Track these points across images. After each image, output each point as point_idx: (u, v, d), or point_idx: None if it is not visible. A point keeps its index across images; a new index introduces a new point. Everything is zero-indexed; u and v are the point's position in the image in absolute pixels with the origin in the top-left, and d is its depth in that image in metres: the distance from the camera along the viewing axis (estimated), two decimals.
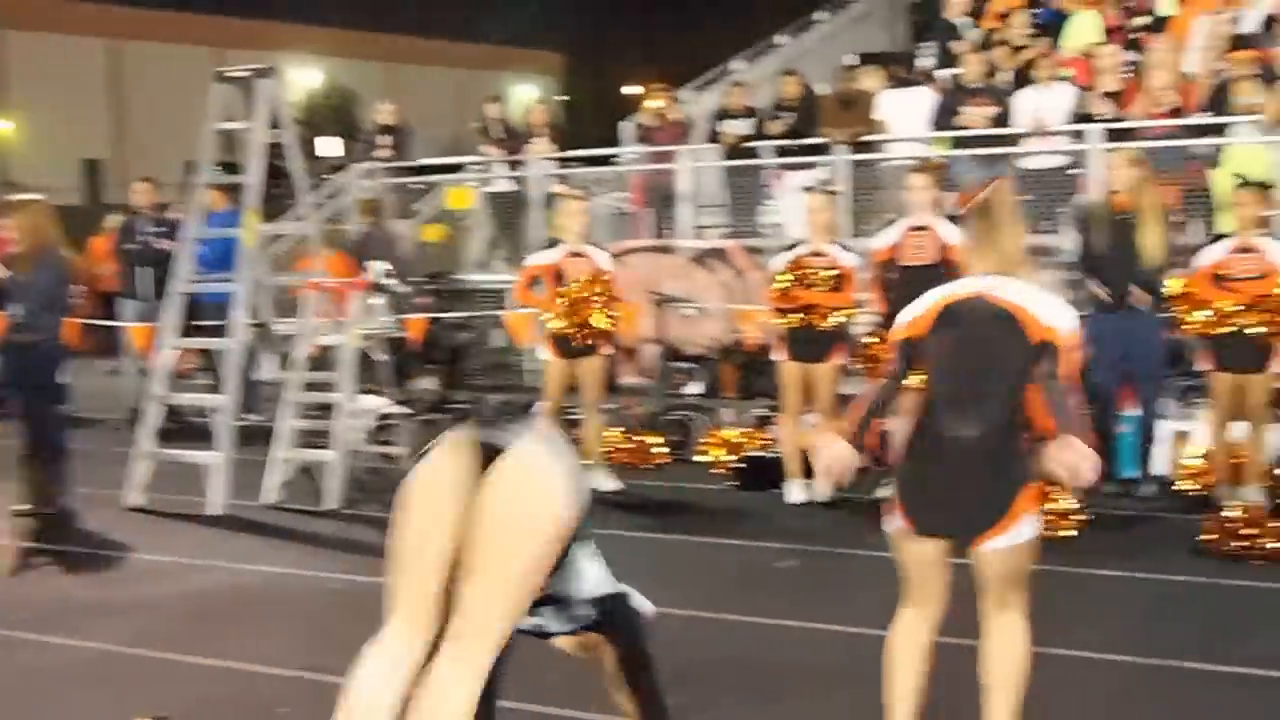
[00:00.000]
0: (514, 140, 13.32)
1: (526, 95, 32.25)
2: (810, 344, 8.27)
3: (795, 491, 8.45)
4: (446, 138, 21.75)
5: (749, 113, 12.42)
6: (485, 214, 13.73)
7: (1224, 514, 7.01)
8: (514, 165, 13.20)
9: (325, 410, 8.98)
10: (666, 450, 9.79)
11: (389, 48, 39.96)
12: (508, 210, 13.39)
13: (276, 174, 9.49)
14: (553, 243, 8.90)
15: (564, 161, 13.18)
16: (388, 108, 14.32)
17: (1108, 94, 10.90)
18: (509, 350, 12.30)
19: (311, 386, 9.07)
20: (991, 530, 3.96)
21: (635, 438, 9.82)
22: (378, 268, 9.39)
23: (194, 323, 9.70)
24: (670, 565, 7.20)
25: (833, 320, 8.23)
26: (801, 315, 8.26)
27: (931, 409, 4.09)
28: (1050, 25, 13.26)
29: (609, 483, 8.85)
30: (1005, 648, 4.11)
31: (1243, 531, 6.81)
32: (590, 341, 8.71)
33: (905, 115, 11.81)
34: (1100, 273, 8.28)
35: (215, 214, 10.09)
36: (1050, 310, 4.05)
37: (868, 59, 13.80)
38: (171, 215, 12.15)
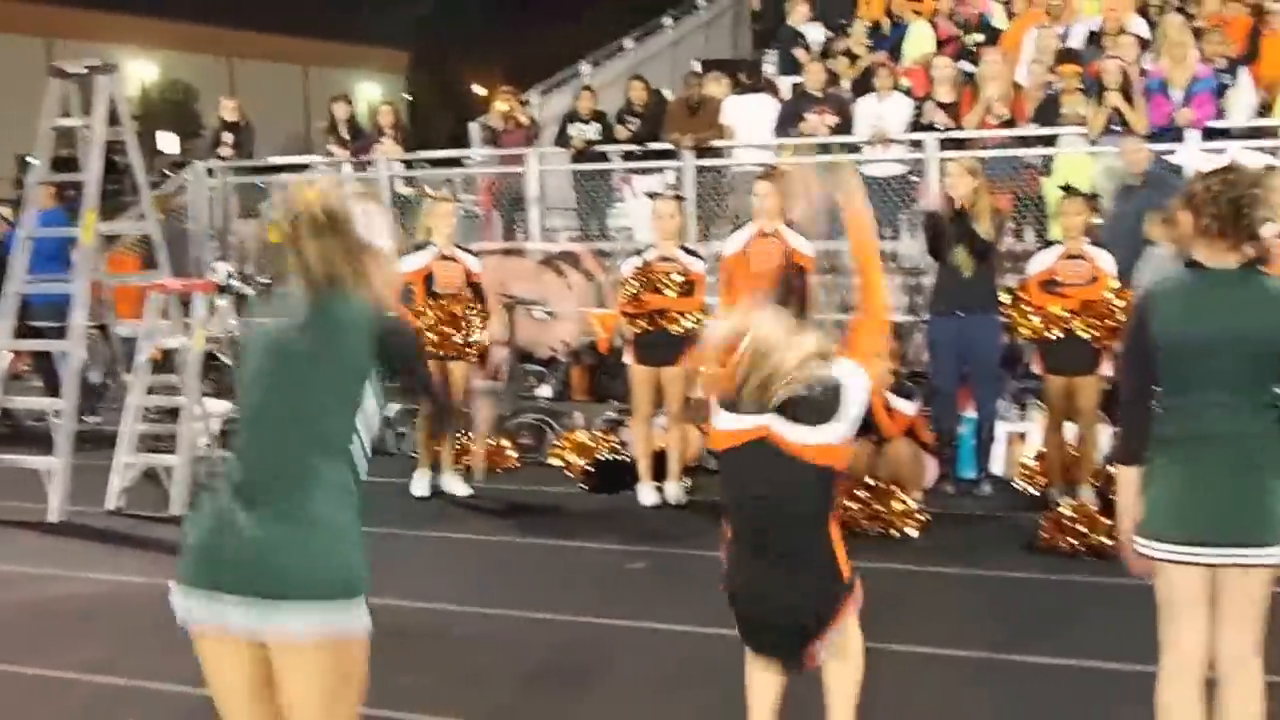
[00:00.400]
0: (361, 140, 13.19)
1: (373, 94, 31.88)
2: (660, 348, 8.37)
3: (647, 494, 8.54)
4: (292, 136, 21.38)
5: (597, 117, 12.51)
6: None
7: (1058, 512, 7.30)
8: (361, 166, 13.07)
9: (170, 414, 8.79)
10: (517, 454, 9.80)
11: (231, 43, 39.10)
12: None
13: (111, 171, 9.26)
14: (420, 246, 8.82)
15: (410, 163, 13.10)
16: (230, 104, 14.08)
17: (943, 104, 11.26)
18: None
19: (154, 390, 8.88)
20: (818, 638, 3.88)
21: (487, 441, 9.80)
22: (222, 269, 9.22)
23: (27, 323, 9.43)
24: (520, 568, 7.23)
25: (682, 324, 8.34)
26: (651, 319, 8.35)
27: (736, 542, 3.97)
28: (891, 37, 13.65)
29: (460, 487, 8.85)
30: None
31: (1076, 529, 7.10)
32: (460, 348, 8.73)
33: (750, 121, 12.03)
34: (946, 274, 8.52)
35: (45, 212, 9.81)
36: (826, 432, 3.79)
37: (713, 65, 14.02)
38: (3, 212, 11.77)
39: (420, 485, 8.82)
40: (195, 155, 14.33)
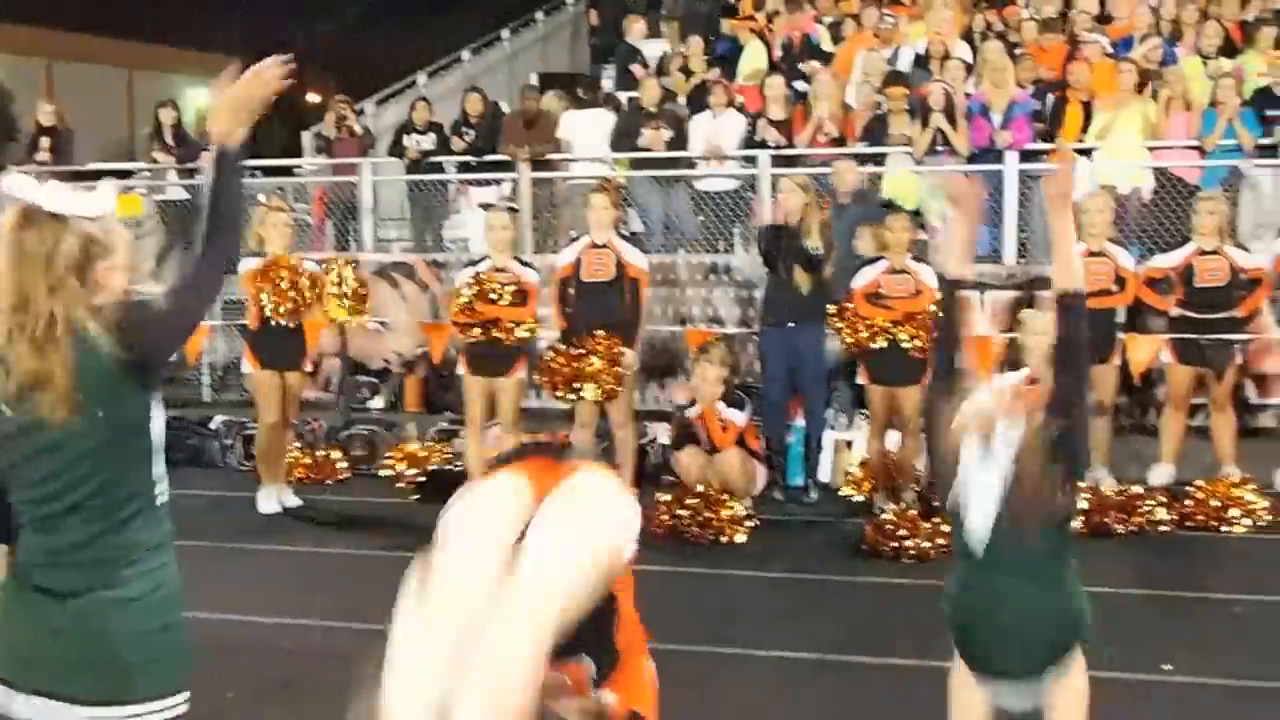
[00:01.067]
0: (187, 147, 12.88)
1: (203, 100, 31.07)
2: (493, 359, 8.35)
3: None
4: (115, 141, 20.75)
5: (433, 128, 12.44)
6: (156, 223, 13.20)
7: (881, 518, 7.50)
8: (187, 173, 12.76)
9: None
10: (348, 465, 9.67)
11: (50, 44, 37.71)
12: (181, 219, 12.91)
13: None
14: (255, 254, 8.63)
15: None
16: (48, 108, 13.67)
17: (776, 121, 11.49)
18: (181, 365, 11.85)
19: None
20: None
21: (317, 453, 9.66)
22: None
23: None
24: (349, 579, 7.13)
25: (515, 335, 8.33)
26: (484, 330, 8.33)
27: None
28: (727, 55, 13.86)
29: (289, 499, 8.70)
30: None
31: (898, 534, 7.30)
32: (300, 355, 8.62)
33: (586, 135, 12.10)
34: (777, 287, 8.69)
35: None
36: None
37: (550, 79, 14.06)
38: None
39: (268, 502, 8.63)
40: (10, 160, 13.81)
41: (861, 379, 8.47)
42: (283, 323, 8.46)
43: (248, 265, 8.41)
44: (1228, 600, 6.66)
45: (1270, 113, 10.58)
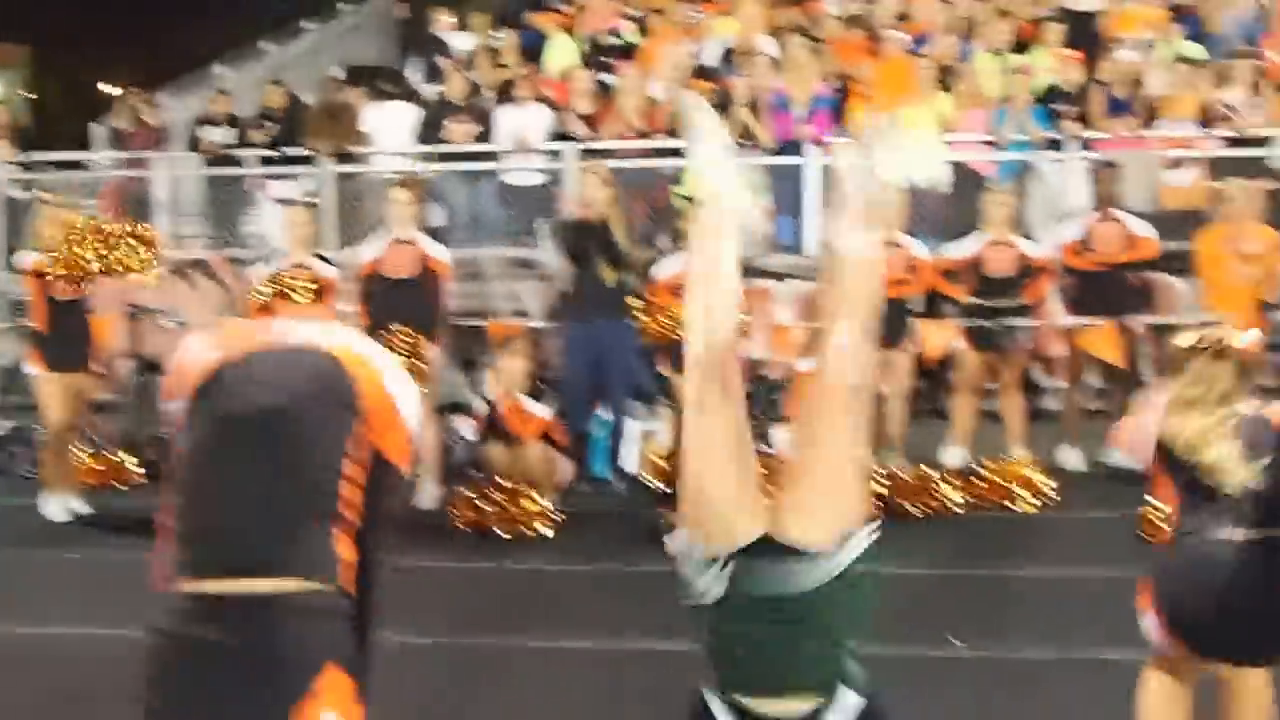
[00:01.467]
0: None
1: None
2: None
3: None
4: None
5: (231, 120, 12.12)
6: None
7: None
8: None
9: None
10: (142, 469, 9.32)
11: None
12: None
13: None
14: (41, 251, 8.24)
15: (28, 165, 12.29)
16: None
17: (582, 115, 11.49)
18: None
19: None
20: None
21: (109, 457, 9.30)
22: None
23: None
24: (137, 585, 6.87)
25: None
26: None
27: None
28: (532, 48, 13.79)
29: (78, 505, 8.37)
30: None
31: None
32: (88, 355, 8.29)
33: (390, 129, 11.93)
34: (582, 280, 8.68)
35: None
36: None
37: (354, 71, 13.81)
38: None
39: (55, 508, 8.27)
40: None
41: (664, 369, 8.52)
42: (70, 308, 8.08)
43: (25, 262, 8.05)
44: (1018, 577, 6.89)
45: (1058, 108, 11.02)
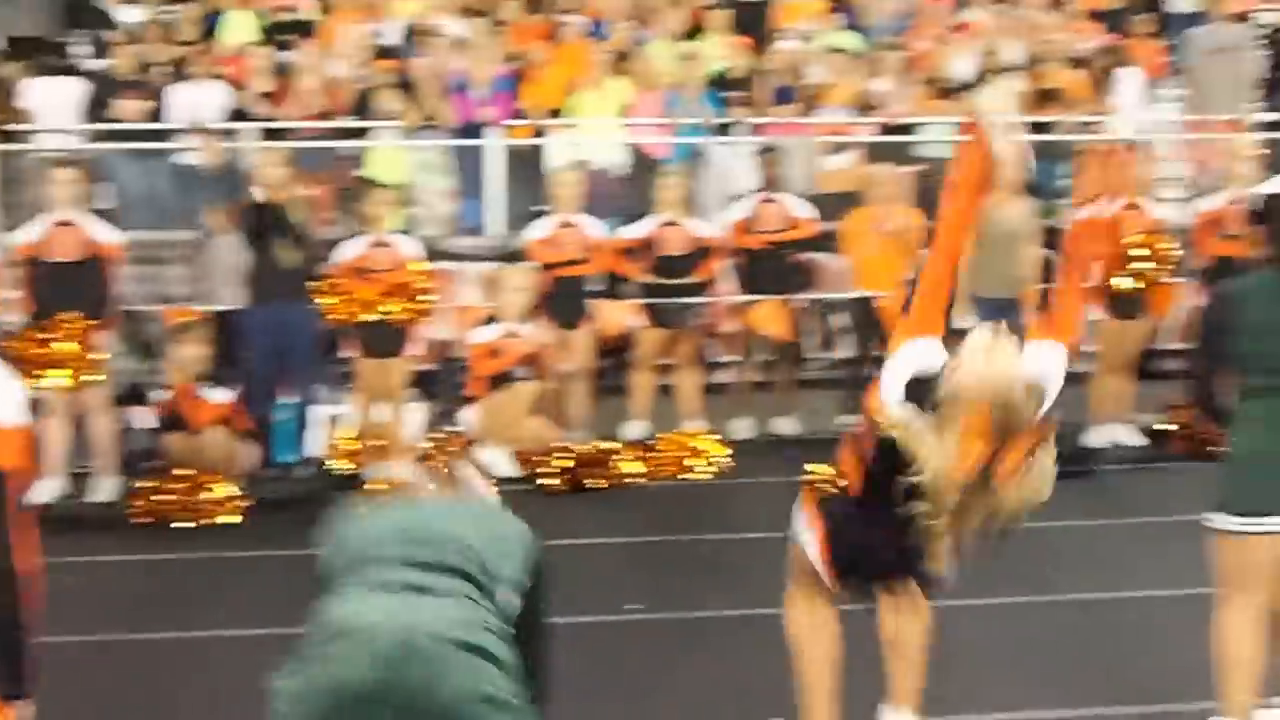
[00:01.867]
0: None
1: None
2: None
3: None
4: None
5: None
6: None
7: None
8: None
9: None
10: None
11: None
12: None
13: None
14: None
15: None
16: None
17: (262, 94, 11.27)
18: None
19: None
20: None
21: None
22: None
23: None
24: None
25: None
26: None
27: None
28: (210, 22, 13.38)
29: None
30: None
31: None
32: None
33: (54, 106, 11.38)
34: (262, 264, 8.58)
35: None
36: None
37: (14, 43, 13.08)
38: None
39: None
40: None
41: (349, 351, 8.53)
42: None
43: None
44: (695, 540, 7.27)
45: (727, 94, 11.52)
